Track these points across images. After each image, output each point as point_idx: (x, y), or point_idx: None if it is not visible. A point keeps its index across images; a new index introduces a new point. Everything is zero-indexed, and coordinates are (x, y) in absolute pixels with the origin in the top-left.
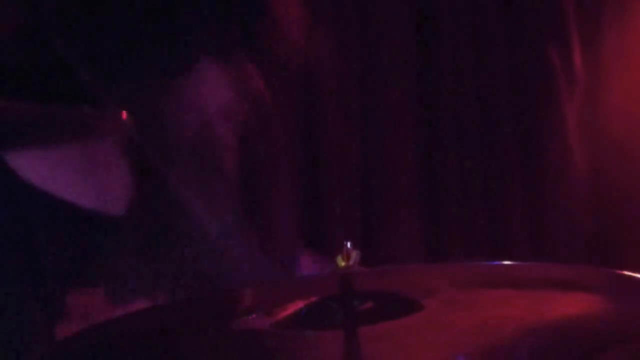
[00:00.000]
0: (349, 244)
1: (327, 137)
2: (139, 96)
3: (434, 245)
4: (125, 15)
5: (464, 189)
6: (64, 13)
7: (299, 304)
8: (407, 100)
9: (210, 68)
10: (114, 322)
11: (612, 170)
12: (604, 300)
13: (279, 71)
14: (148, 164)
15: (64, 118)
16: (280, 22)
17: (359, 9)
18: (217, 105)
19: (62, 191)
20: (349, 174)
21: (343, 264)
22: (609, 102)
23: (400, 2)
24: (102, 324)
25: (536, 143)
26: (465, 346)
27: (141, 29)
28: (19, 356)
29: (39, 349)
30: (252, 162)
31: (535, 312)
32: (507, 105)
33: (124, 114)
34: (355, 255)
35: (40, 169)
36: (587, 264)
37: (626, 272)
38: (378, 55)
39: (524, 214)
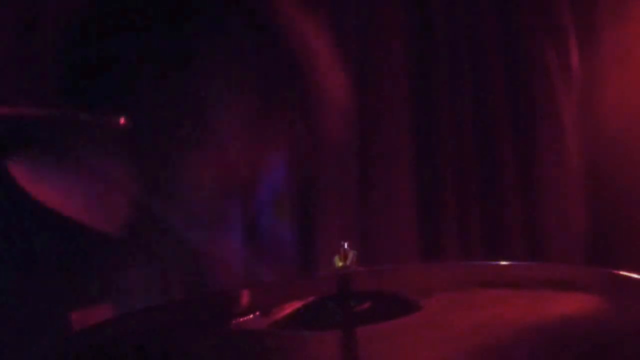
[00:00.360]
0: (346, 245)
1: (325, 138)
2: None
3: (431, 246)
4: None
5: (461, 189)
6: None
7: (297, 304)
8: (404, 100)
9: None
10: (113, 322)
11: (609, 170)
12: (601, 300)
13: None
14: (148, 171)
15: (63, 124)
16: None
17: (357, 10)
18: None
19: (59, 199)
20: (346, 174)
21: (340, 264)
22: (606, 101)
23: (397, 3)
24: (101, 324)
25: (533, 143)
26: (463, 346)
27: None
28: None
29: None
30: (252, 163)
31: (533, 312)
32: (504, 104)
33: (122, 120)
34: (352, 255)
35: (39, 177)
36: (585, 264)
37: (624, 272)
38: (376, 57)
39: (522, 213)
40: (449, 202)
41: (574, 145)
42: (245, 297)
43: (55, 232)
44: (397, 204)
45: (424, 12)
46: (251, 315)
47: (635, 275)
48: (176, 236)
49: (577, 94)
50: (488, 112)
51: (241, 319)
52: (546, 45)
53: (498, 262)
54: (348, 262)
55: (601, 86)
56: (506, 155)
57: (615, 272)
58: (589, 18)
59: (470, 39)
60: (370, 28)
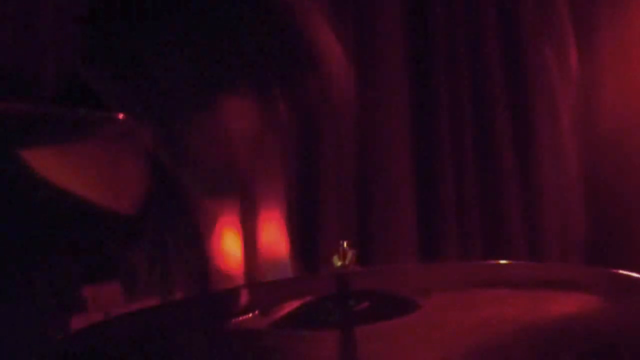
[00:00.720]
0: (345, 244)
1: (323, 137)
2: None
3: (430, 245)
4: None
5: (460, 188)
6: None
7: (295, 304)
8: (403, 100)
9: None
10: (110, 322)
11: (608, 169)
12: (600, 300)
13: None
14: (156, 164)
15: (62, 120)
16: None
17: (355, 6)
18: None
19: (67, 191)
20: (345, 173)
21: (339, 263)
22: (605, 102)
23: (396, 1)
24: (99, 324)
25: (532, 142)
26: (462, 346)
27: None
28: (32, 351)
29: (51, 343)
30: (255, 160)
31: (532, 312)
32: (503, 104)
33: (121, 116)
34: (351, 254)
35: (43, 169)
36: (583, 264)
37: (623, 272)
38: (373, 56)
39: (521, 213)
40: (448, 202)
41: (573, 145)
42: (244, 296)
43: (54, 231)
44: (396, 204)
45: (423, 11)
46: (250, 315)
47: (635, 275)
48: (175, 234)
49: (576, 95)
50: (487, 112)
51: (240, 318)
52: (545, 45)
53: (497, 262)
54: (347, 262)
55: (600, 87)
56: (505, 154)
57: (615, 271)
58: (589, 18)
59: (468, 39)
60: (368, 27)
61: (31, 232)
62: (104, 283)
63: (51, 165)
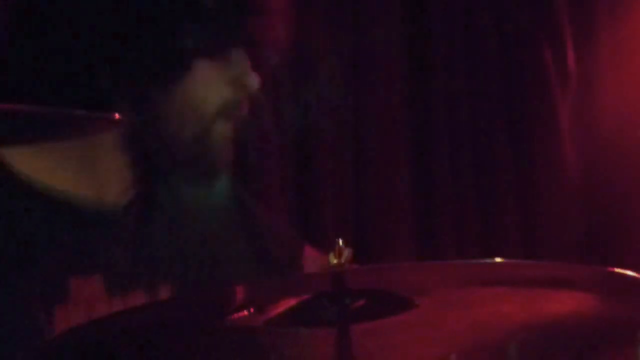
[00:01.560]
0: (341, 242)
1: (320, 135)
2: (135, 95)
3: (427, 243)
4: (116, 16)
5: (456, 187)
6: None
7: (292, 302)
8: (399, 98)
9: (206, 66)
10: (107, 319)
11: (605, 168)
12: (597, 298)
13: (272, 69)
14: (146, 161)
15: (57, 120)
16: (273, 18)
17: (352, 6)
18: (215, 104)
19: (58, 189)
20: (341, 172)
21: (335, 261)
22: (602, 100)
23: (395, 2)
24: (96, 322)
25: (529, 142)
26: (458, 344)
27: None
28: (18, 349)
29: (38, 342)
30: (247, 161)
31: (528, 310)
32: (500, 103)
33: (117, 115)
34: (347, 253)
35: (35, 169)
36: (580, 262)
37: (619, 270)
38: (369, 55)
39: (517, 212)
40: (445, 200)
41: (571, 146)
42: (239, 294)
43: (48, 226)
44: (393, 202)
45: (422, 12)
46: (246, 312)
47: (631, 273)
48: (170, 231)
49: (574, 96)
50: (484, 110)
51: (235, 316)
52: (543, 47)
53: (494, 260)
54: (343, 260)
55: (598, 84)
56: (503, 155)
57: (612, 270)
58: (587, 16)
59: (467, 41)
60: (362, 27)
61: (22, 228)
62: (86, 276)
63: (44, 162)
